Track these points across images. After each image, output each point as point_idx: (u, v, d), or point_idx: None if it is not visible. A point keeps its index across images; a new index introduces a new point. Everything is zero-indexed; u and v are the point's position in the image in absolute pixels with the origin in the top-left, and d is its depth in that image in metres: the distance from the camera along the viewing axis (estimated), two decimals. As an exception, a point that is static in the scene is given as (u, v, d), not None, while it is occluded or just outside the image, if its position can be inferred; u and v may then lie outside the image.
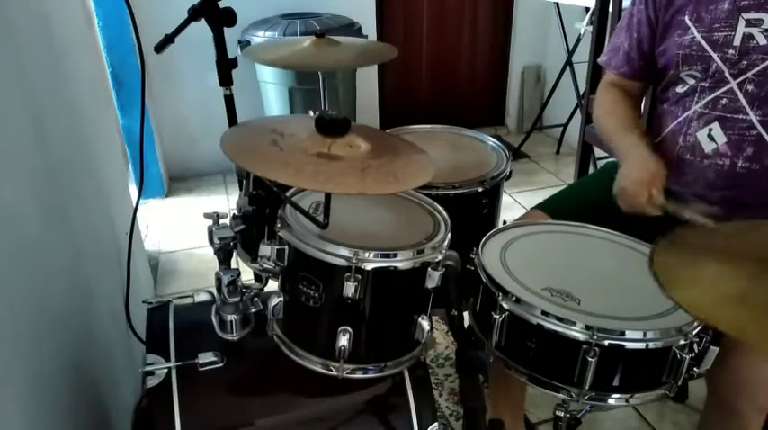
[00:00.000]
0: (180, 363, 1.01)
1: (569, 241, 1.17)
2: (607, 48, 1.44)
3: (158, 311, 1.14)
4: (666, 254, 0.76)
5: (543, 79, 3.83)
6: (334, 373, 0.96)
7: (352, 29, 2.87)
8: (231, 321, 1.08)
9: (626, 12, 1.37)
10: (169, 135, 3.16)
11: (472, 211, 1.36)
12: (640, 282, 0.99)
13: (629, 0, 1.36)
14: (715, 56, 1.16)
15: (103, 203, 1.55)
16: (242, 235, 1.13)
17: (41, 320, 0.95)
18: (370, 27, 3.21)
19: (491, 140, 1.54)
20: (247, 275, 1.30)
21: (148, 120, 2.85)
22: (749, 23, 1.12)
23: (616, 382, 0.93)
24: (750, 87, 1.13)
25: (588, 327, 0.90)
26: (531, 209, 1.40)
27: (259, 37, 2.74)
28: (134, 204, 1.42)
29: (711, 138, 1.19)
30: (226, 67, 1.33)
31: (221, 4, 1.25)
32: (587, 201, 1.36)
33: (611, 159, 1.45)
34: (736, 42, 1.13)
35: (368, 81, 3.36)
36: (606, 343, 0.89)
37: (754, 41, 1.12)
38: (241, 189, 1.31)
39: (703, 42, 1.17)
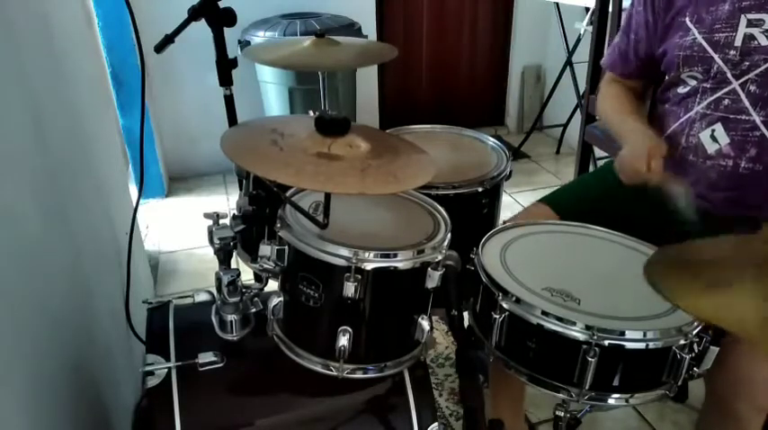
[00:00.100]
0: (180, 363, 1.01)
1: (569, 241, 1.17)
2: (607, 49, 1.44)
3: (158, 311, 1.14)
4: (662, 266, 0.76)
5: (543, 79, 3.83)
6: (334, 373, 0.96)
7: (352, 29, 2.87)
8: (231, 321, 1.08)
9: (626, 13, 1.37)
10: (169, 135, 3.16)
11: (472, 211, 1.36)
12: (640, 282, 0.98)
13: (629, 0, 1.36)
14: (716, 57, 1.16)
15: (103, 203, 1.55)
16: (242, 235, 1.13)
17: (41, 320, 0.95)
18: (370, 27, 3.21)
19: (491, 140, 1.54)
20: (247, 275, 1.30)
21: (148, 120, 2.85)
22: (750, 24, 1.12)
23: (616, 382, 0.93)
24: (753, 88, 1.13)
25: (588, 327, 0.90)
26: (536, 202, 1.40)
27: (259, 37, 2.74)
28: (134, 204, 1.42)
29: (714, 138, 1.18)
30: (226, 67, 1.33)
31: (221, 4, 1.25)
32: (590, 196, 1.37)
33: (611, 159, 1.45)
34: (737, 43, 1.13)
35: (368, 81, 3.36)
36: (606, 343, 0.89)
37: (756, 42, 1.11)
38: (241, 189, 1.31)
39: (704, 43, 1.17)
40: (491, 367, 1.36)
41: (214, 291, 1.12)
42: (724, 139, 1.17)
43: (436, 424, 1.04)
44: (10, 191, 0.88)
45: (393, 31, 3.47)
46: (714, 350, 0.95)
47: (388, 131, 1.42)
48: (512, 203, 2.87)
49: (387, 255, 0.91)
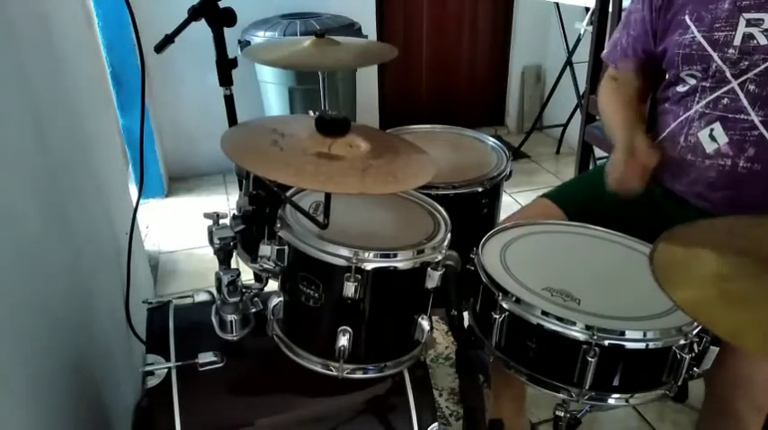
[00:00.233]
0: (180, 363, 1.01)
1: (569, 241, 1.17)
2: (608, 42, 1.45)
3: (158, 311, 1.14)
4: (667, 252, 0.75)
5: (543, 79, 3.83)
6: (334, 373, 0.96)
7: (352, 29, 2.87)
8: (231, 321, 1.08)
9: (627, 9, 1.38)
10: (169, 135, 3.16)
11: (472, 211, 1.36)
12: (640, 282, 0.99)
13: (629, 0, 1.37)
14: (715, 55, 1.16)
15: (103, 203, 1.54)
16: (242, 235, 1.13)
17: (41, 320, 0.95)
18: (370, 27, 3.21)
19: (491, 140, 1.54)
20: (247, 275, 1.30)
21: (148, 120, 2.85)
22: (749, 23, 1.12)
23: (616, 382, 0.93)
24: (752, 87, 1.13)
25: (588, 327, 0.90)
26: (539, 197, 1.40)
27: (259, 37, 2.74)
28: (134, 204, 1.42)
29: (713, 138, 1.18)
30: (226, 67, 1.33)
31: (221, 4, 1.24)
32: (591, 196, 1.37)
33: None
34: (737, 42, 1.13)
35: (368, 81, 3.36)
36: (606, 343, 0.89)
37: (755, 41, 1.11)
38: (241, 189, 1.31)
39: (703, 42, 1.17)
40: (491, 367, 1.36)
41: (214, 291, 1.12)
42: (723, 139, 1.17)
43: (436, 424, 1.04)
44: (10, 191, 0.88)
45: (393, 31, 3.47)
46: (714, 350, 0.95)
47: (388, 131, 1.42)
48: (512, 203, 2.87)
49: (387, 255, 0.91)
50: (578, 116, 3.11)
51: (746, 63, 1.13)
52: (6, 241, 0.83)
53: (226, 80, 1.34)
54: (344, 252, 0.89)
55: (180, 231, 2.72)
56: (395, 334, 1.00)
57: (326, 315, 0.96)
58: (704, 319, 0.68)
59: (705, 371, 0.98)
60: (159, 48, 1.24)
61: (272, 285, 1.11)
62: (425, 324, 0.98)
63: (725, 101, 1.16)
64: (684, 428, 1.65)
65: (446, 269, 0.96)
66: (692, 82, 1.22)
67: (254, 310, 1.11)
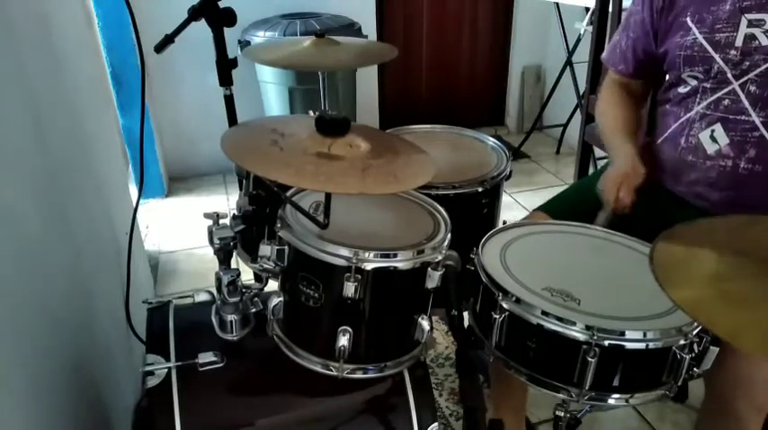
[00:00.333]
0: (180, 363, 1.01)
1: (569, 241, 1.17)
2: (608, 45, 1.45)
3: (158, 311, 1.14)
4: (667, 252, 0.75)
5: (543, 79, 3.83)
6: (334, 373, 0.96)
7: (352, 29, 2.87)
8: (231, 321, 1.08)
9: (627, 11, 1.38)
10: (169, 135, 3.16)
11: (472, 211, 1.36)
12: (640, 282, 0.99)
13: (630, 0, 1.36)
14: (717, 56, 1.16)
15: (103, 203, 1.55)
16: (242, 235, 1.13)
17: (41, 320, 0.95)
18: (370, 27, 3.21)
19: (491, 140, 1.54)
20: (247, 275, 1.30)
21: (148, 120, 2.85)
22: (751, 24, 1.12)
23: (616, 382, 0.93)
24: (753, 88, 1.13)
25: (588, 327, 0.89)
26: (533, 210, 1.40)
27: (259, 37, 2.74)
28: (134, 204, 1.42)
29: (714, 139, 1.18)
30: (226, 67, 1.33)
31: (221, 4, 1.25)
32: (588, 202, 1.37)
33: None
34: (738, 43, 1.13)
35: (368, 81, 3.36)
36: (606, 343, 0.89)
37: (756, 42, 1.11)
38: (241, 189, 1.31)
39: (705, 43, 1.17)
40: (491, 367, 1.35)
41: (214, 291, 1.12)
42: (723, 140, 1.17)
43: (436, 424, 1.04)
44: (10, 191, 0.88)
45: (393, 31, 3.47)
46: (714, 350, 0.95)
47: (388, 131, 1.42)
48: (512, 203, 2.87)
49: (387, 255, 0.91)
50: (578, 116, 3.12)
51: (747, 64, 1.13)
52: (6, 241, 0.83)
53: (226, 80, 1.34)
54: (344, 252, 0.89)
55: (180, 231, 2.72)
56: (395, 334, 1.00)
57: (326, 315, 0.96)
58: (704, 319, 0.68)
59: (705, 372, 0.98)
60: (159, 48, 1.24)
61: (272, 285, 1.11)
62: (425, 324, 0.98)
63: (726, 102, 1.16)
64: (684, 428, 1.65)
65: (446, 269, 0.96)
66: (694, 83, 1.22)
67: (254, 310, 1.11)
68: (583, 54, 2.62)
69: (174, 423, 0.95)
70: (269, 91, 2.89)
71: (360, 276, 0.89)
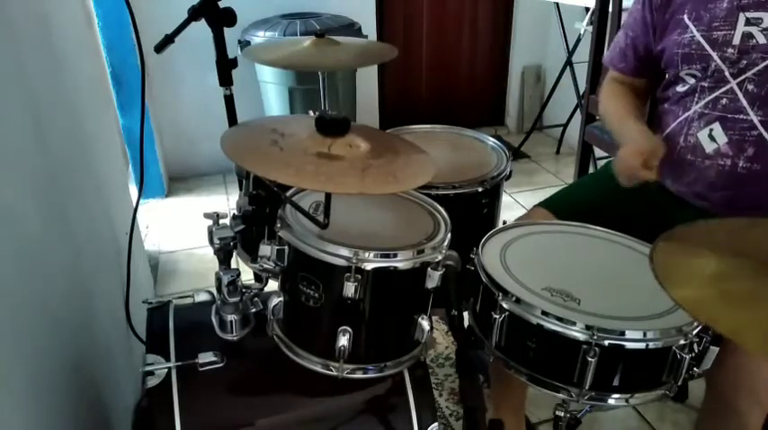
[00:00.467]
0: (180, 363, 1.01)
1: (569, 241, 1.17)
2: (609, 46, 1.45)
3: (158, 311, 1.14)
4: (667, 252, 0.75)
5: (543, 79, 3.83)
6: (334, 373, 0.96)
7: (352, 29, 2.87)
8: (231, 321, 1.08)
9: (628, 11, 1.38)
10: (169, 135, 3.16)
11: (472, 211, 1.36)
12: (640, 282, 0.99)
13: (630, 0, 1.36)
14: (714, 55, 1.16)
15: (103, 203, 1.55)
16: (242, 235, 1.13)
17: (41, 320, 0.95)
18: (370, 27, 3.21)
19: (491, 140, 1.54)
20: (247, 275, 1.30)
21: (148, 120, 2.85)
22: (749, 22, 1.12)
23: (616, 382, 0.93)
24: (750, 87, 1.13)
25: (588, 327, 0.90)
26: (534, 207, 1.40)
27: (259, 37, 2.74)
28: (134, 204, 1.42)
29: (712, 138, 1.19)
30: (226, 67, 1.33)
31: (221, 4, 1.25)
32: (590, 199, 1.37)
33: (611, 159, 1.45)
34: (736, 41, 1.13)
35: (368, 81, 3.36)
36: (606, 343, 0.89)
37: (754, 40, 1.11)
38: (241, 189, 1.31)
39: (703, 41, 1.17)
40: (491, 367, 1.36)
41: (214, 291, 1.12)
42: (722, 139, 1.17)
43: (436, 424, 1.04)
44: (10, 191, 0.88)
45: (393, 31, 3.47)
46: (714, 350, 0.95)
47: (388, 131, 1.42)
48: (512, 203, 2.87)
49: (387, 255, 0.91)
50: (578, 116, 3.12)
51: (745, 62, 1.13)
52: (6, 241, 0.83)
53: (226, 80, 1.34)
54: (344, 252, 0.89)
55: (180, 231, 2.72)
56: (395, 334, 1.00)
57: (326, 315, 0.96)
58: (705, 318, 0.68)
59: (705, 371, 0.98)
60: (159, 48, 1.24)
61: (272, 285, 1.11)
62: (425, 324, 0.98)
63: (724, 101, 1.16)
64: (684, 428, 1.65)
65: (446, 269, 0.96)
66: (692, 81, 1.22)
67: (254, 310, 1.11)
68: (583, 54, 2.62)
69: (174, 423, 0.95)
70: (269, 91, 2.89)
71: (360, 276, 0.89)
